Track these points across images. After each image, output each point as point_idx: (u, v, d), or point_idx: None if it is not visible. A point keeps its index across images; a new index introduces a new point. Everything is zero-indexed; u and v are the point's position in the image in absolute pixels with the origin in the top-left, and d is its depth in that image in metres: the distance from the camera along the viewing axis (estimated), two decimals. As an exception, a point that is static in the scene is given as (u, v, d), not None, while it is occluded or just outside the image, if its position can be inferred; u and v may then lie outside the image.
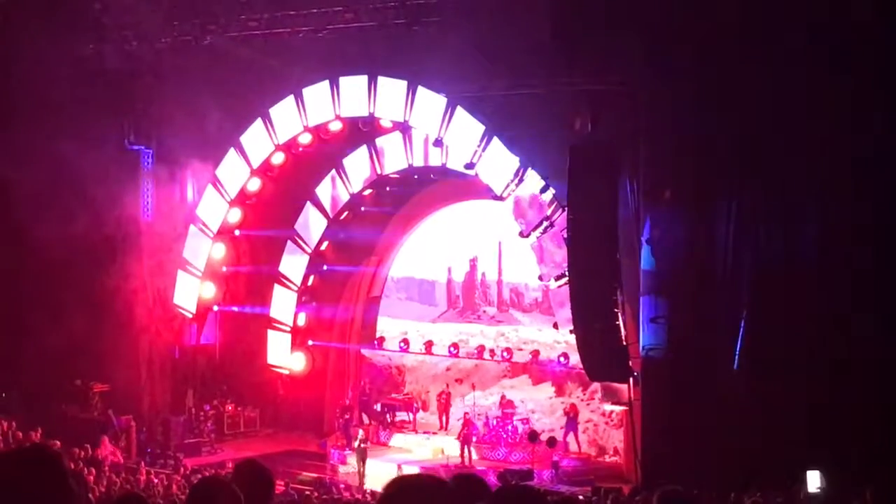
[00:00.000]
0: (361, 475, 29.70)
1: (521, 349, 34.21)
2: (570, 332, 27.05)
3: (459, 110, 29.02)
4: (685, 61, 24.52)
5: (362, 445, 30.01)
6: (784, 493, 20.37)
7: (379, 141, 32.68)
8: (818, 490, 21.17)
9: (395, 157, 32.54)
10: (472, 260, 37.68)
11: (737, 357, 23.79)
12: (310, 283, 34.31)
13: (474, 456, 30.73)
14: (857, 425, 22.48)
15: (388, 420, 33.94)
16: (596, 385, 31.25)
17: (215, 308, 34.08)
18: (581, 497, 23.88)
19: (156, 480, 26.57)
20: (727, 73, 24.05)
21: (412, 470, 26.32)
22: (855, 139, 23.10)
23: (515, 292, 37.32)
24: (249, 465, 7.18)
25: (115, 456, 29.11)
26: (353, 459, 30.52)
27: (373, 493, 26.44)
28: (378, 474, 28.71)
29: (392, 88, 30.11)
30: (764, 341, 23.60)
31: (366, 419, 33.78)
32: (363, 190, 33.52)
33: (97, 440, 28.88)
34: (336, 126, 31.96)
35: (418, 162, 32.16)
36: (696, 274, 24.82)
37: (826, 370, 22.83)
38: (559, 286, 28.27)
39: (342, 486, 28.63)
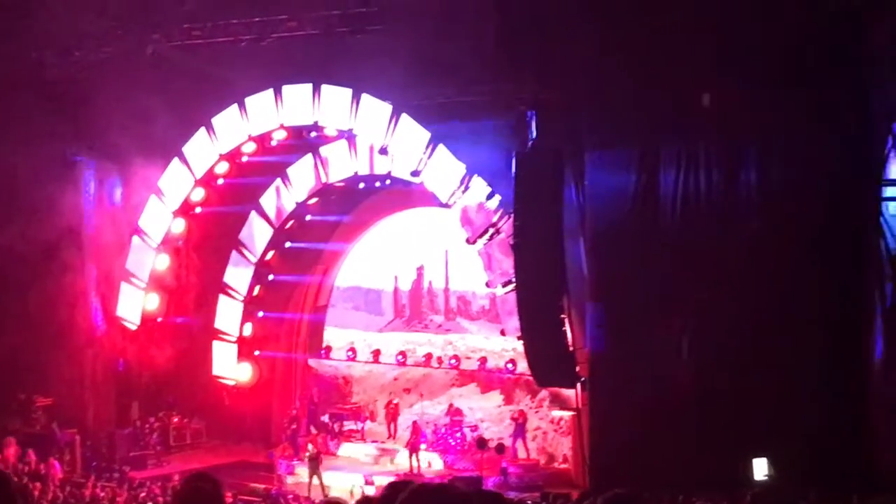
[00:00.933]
0: (311, 486, 29.53)
1: (468, 357, 34.21)
2: (518, 338, 27.07)
3: (404, 118, 28.99)
4: (626, 67, 24.60)
5: (313, 458, 29.82)
6: (729, 498, 20.52)
7: (324, 149, 32.56)
8: (765, 477, 21.37)
9: (340, 165, 32.42)
10: (419, 268, 37.66)
11: (682, 360, 23.91)
12: (255, 293, 34.06)
13: (423, 464, 30.70)
14: (802, 423, 22.67)
15: (336, 430, 33.85)
16: (544, 392, 31.34)
17: (160, 320, 33.72)
18: (529, 503, 23.94)
19: (101, 494, 26.30)
20: (669, 80, 24.14)
21: (380, 481, 26.20)
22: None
23: (463, 300, 37.34)
24: (198, 478, 7.08)
25: (55, 470, 28.75)
26: (302, 470, 30.35)
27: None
28: (340, 486, 28.68)
29: (336, 96, 30.02)
30: (710, 342, 23.72)
31: (313, 430, 33.64)
32: (308, 199, 33.36)
33: (43, 456, 28.55)
34: (280, 135, 31.79)
35: (364, 170, 32.07)
36: (641, 278, 24.90)
37: (769, 367, 23.00)
38: (506, 293, 28.28)
39: (290, 497, 28.47)
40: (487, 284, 31.28)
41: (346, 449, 32.80)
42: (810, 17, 22.98)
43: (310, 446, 30.41)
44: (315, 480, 29.62)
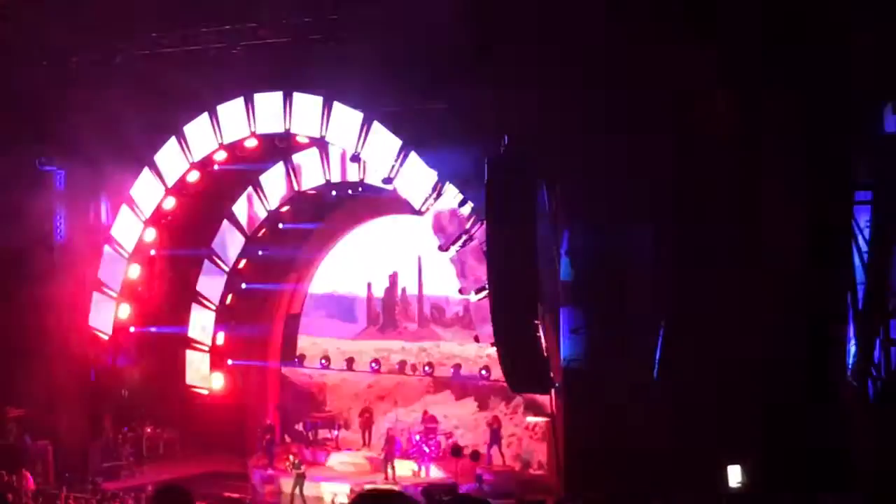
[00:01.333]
0: (294, 497, 29.55)
1: (443, 364, 34.13)
2: (492, 345, 27.07)
3: (376, 125, 28.97)
4: (601, 72, 24.65)
5: (297, 470, 29.74)
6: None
7: (296, 157, 32.50)
8: (738, 485, 21.45)
9: (312, 173, 32.36)
10: (392, 275, 37.54)
11: (656, 366, 23.96)
12: (228, 301, 33.96)
13: (398, 472, 30.66)
14: (776, 426, 22.75)
15: (311, 438, 33.78)
16: (519, 399, 31.33)
17: (132, 329, 33.54)
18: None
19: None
20: (642, 82, 24.21)
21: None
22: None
23: (436, 307, 37.24)
24: (169, 489, 7.05)
25: (27, 482, 28.62)
26: (285, 481, 30.31)
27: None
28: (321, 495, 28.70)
29: (308, 104, 29.97)
30: (682, 347, 23.78)
31: (287, 438, 33.57)
32: (281, 207, 33.30)
33: (15, 467, 28.40)
34: (252, 143, 31.70)
35: (336, 178, 32.01)
36: (615, 284, 24.96)
37: (742, 372, 23.08)
38: (479, 299, 28.28)
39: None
40: (461, 291, 31.27)
41: (335, 458, 32.67)
42: (790, 27, 23.12)
43: (292, 458, 30.33)
44: (297, 491, 29.60)
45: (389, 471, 30.50)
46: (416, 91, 27.64)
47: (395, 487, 25.65)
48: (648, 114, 24.32)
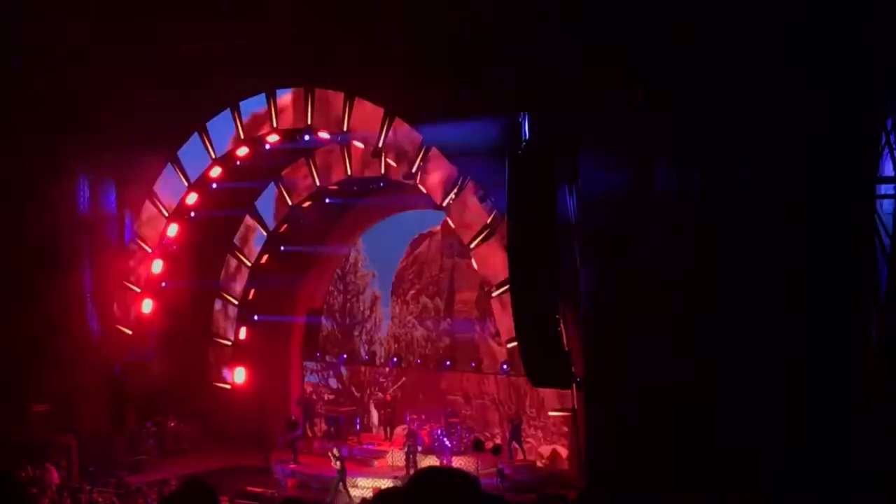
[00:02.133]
0: (337, 493, 29.78)
1: (465, 358, 34.16)
2: (513, 339, 27.09)
3: (398, 120, 29.02)
4: (619, 66, 24.59)
5: (342, 465, 29.91)
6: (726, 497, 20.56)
7: (318, 153, 32.61)
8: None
9: (334, 168, 32.45)
10: (414, 270, 37.59)
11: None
12: (250, 296, 34.09)
13: (419, 465, 30.69)
14: (795, 420, 22.66)
15: (332, 433, 33.87)
16: (540, 392, 31.33)
17: (155, 324, 33.71)
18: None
19: (99, 499, 26.36)
20: (665, 74, 24.13)
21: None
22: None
23: (458, 302, 37.23)
24: (193, 484, 7.12)
25: (52, 476, 28.80)
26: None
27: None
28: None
29: (330, 100, 30.05)
30: (705, 340, 23.68)
31: (309, 433, 33.72)
32: (303, 202, 33.40)
33: (39, 462, 28.60)
34: (274, 138, 31.82)
35: (357, 173, 32.10)
36: (637, 278, 24.90)
37: (766, 365, 22.97)
38: (501, 294, 28.31)
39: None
40: (482, 286, 31.30)
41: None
42: (803, 15, 22.98)
43: (336, 451, 30.42)
44: (340, 487, 29.83)
45: (411, 464, 30.54)
46: (437, 85, 27.63)
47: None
48: (666, 106, 24.23)
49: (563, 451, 30.82)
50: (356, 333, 37.07)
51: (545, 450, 31.44)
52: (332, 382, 37.08)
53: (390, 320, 36.53)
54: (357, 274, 37.34)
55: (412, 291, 36.28)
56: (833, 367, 22.54)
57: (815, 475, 21.93)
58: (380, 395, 35.52)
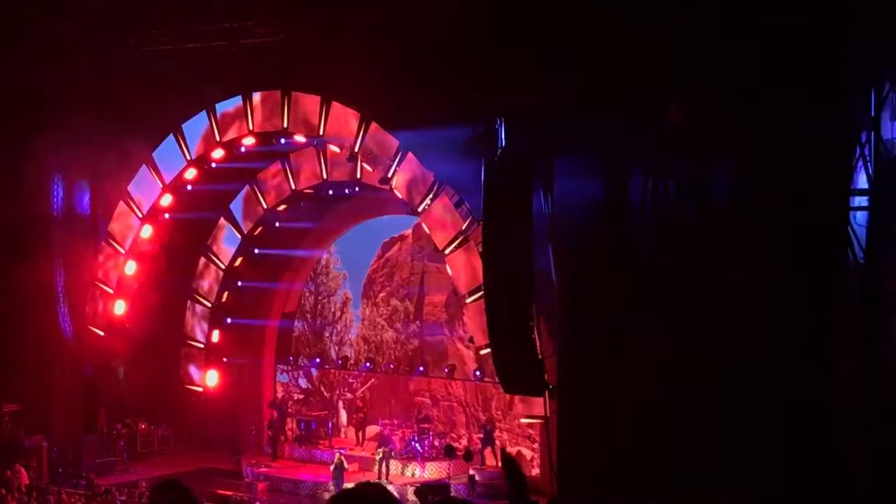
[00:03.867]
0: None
1: (437, 363, 34.21)
2: (486, 346, 27.12)
3: (374, 125, 29.03)
4: (595, 75, 24.67)
5: (339, 467, 29.86)
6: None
7: (293, 156, 32.59)
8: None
9: (309, 171, 32.44)
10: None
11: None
12: (224, 299, 34.01)
13: (392, 471, 30.72)
14: (771, 432, 22.78)
15: (304, 437, 33.87)
16: (512, 398, 31.37)
17: (128, 326, 33.58)
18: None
19: (67, 501, 26.22)
20: (639, 88, 24.23)
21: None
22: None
23: (432, 307, 37.28)
24: (169, 484, 7.10)
25: (21, 476, 28.66)
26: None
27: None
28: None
29: (306, 103, 30.03)
30: (678, 349, 23.79)
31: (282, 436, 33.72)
32: (277, 205, 33.36)
33: (9, 463, 28.44)
34: (249, 141, 31.76)
35: (333, 177, 32.09)
36: (611, 285, 24.99)
37: (739, 375, 23.08)
38: (475, 300, 28.33)
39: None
40: (456, 292, 31.32)
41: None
42: (780, 31, 23.11)
43: (337, 454, 30.42)
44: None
45: (383, 469, 30.53)
46: (413, 91, 27.64)
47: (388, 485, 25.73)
48: (642, 115, 24.34)
49: (528, 454, 30.99)
50: (327, 334, 37.14)
51: (510, 451, 31.46)
52: (302, 382, 37.12)
53: (360, 322, 36.65)
54: (329, 275, 37.44)
55: (382, 294, 36.42)
56: (808, 372, 22.70)
57: (790, 479, 22.08)
58: (349, 395, 35.57)
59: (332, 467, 30.07)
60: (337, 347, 36.76)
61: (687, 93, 23.84)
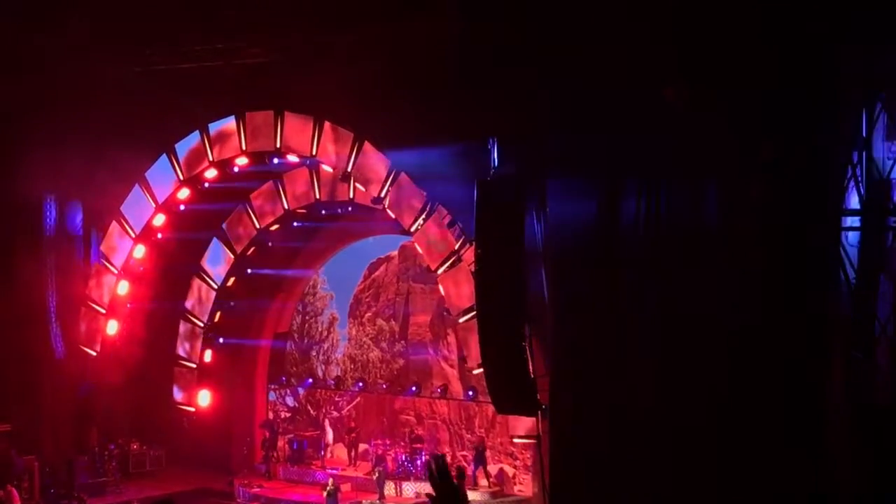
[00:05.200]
0: None
1: (430, 383, 34.25)
2: (479, 365, 27.11)
3: (367, 145, 29.08)
4: (588, 95, 24.71)
5: (332, 493, 29.84)
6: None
7: (286, 176, 32.61)
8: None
9: (302, 191, 32.44)
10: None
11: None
12: (216, 319, 33.95)
13: (385, 491, 30.70)
14: (762, 451, 22.76)
15: (296, 457, 33.86)
16: (505, 419, 31.37)
17: (120, 345, 33.53)
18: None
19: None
20: (631, 106, 24.26)
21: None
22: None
23: (424, 326, 37.33)
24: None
25: (13, 497, 28.60)
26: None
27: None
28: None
29: (298, 123, 30.08)
30: (671, 369, 23.77)
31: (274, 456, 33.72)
32: (270, 225, 33.35)
33: (1, 483, 28.40)
34: (242, 161, 31.78)
35: (326, 197, 32.10)
36: (604, 306, 24.98)
37: (731, 396, 23.06)
38: (467, 320, 28.35)
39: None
40: (448, 312, 31.33)
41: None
42: (771, 46, 23.17)
43: (330, 480, 30.41)
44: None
45: (378, 490, 30.54)
46: (406, 111, 27.68)
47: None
48: (634, 135, 24.36)
49: (510, 471, 31.07)
50: (314, 353, 37.35)
51: (492, 469, 31.55)
52: (289, 401, 37.29)
53: (347, 341, 36.90)
54: (316, 295, 37.79)
55: (368, 314, 36.70)
56: (799, 393, 22.67)
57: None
58: (335, 413, 35.63)
59: (325, 493, 29.98)
60: (324, 366, 37.05)
61: (672, 109, 23.85)
